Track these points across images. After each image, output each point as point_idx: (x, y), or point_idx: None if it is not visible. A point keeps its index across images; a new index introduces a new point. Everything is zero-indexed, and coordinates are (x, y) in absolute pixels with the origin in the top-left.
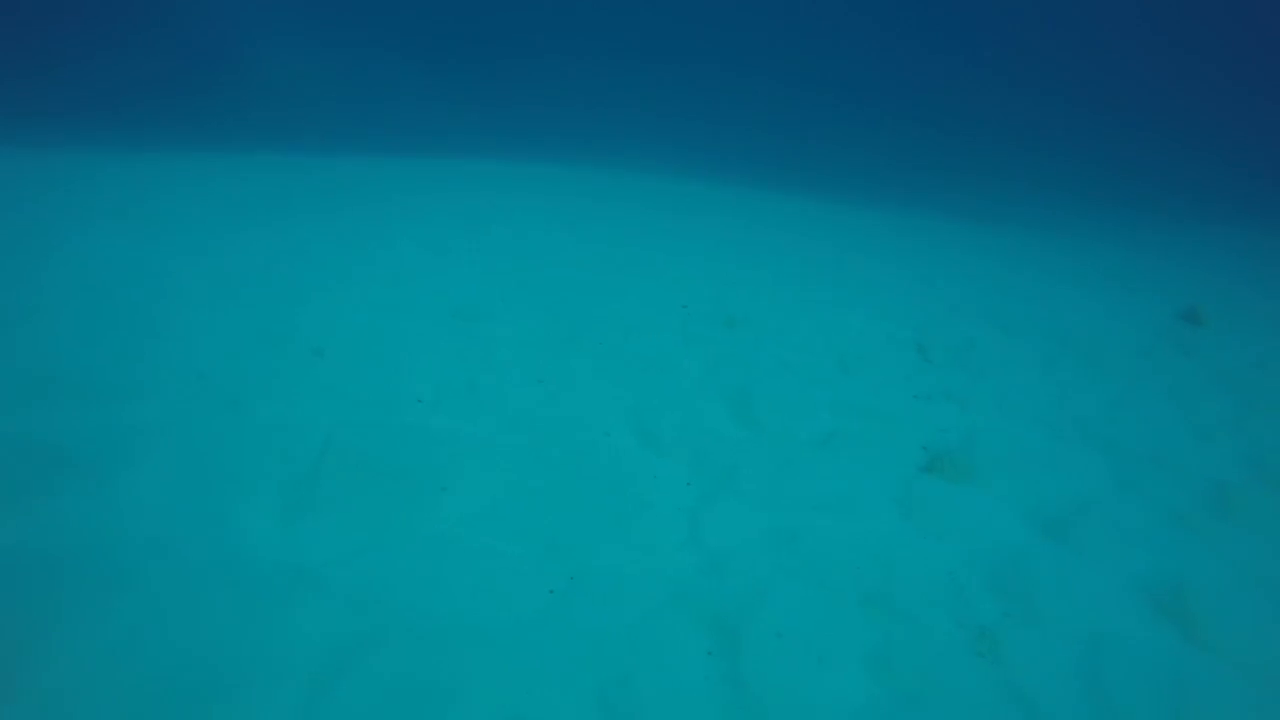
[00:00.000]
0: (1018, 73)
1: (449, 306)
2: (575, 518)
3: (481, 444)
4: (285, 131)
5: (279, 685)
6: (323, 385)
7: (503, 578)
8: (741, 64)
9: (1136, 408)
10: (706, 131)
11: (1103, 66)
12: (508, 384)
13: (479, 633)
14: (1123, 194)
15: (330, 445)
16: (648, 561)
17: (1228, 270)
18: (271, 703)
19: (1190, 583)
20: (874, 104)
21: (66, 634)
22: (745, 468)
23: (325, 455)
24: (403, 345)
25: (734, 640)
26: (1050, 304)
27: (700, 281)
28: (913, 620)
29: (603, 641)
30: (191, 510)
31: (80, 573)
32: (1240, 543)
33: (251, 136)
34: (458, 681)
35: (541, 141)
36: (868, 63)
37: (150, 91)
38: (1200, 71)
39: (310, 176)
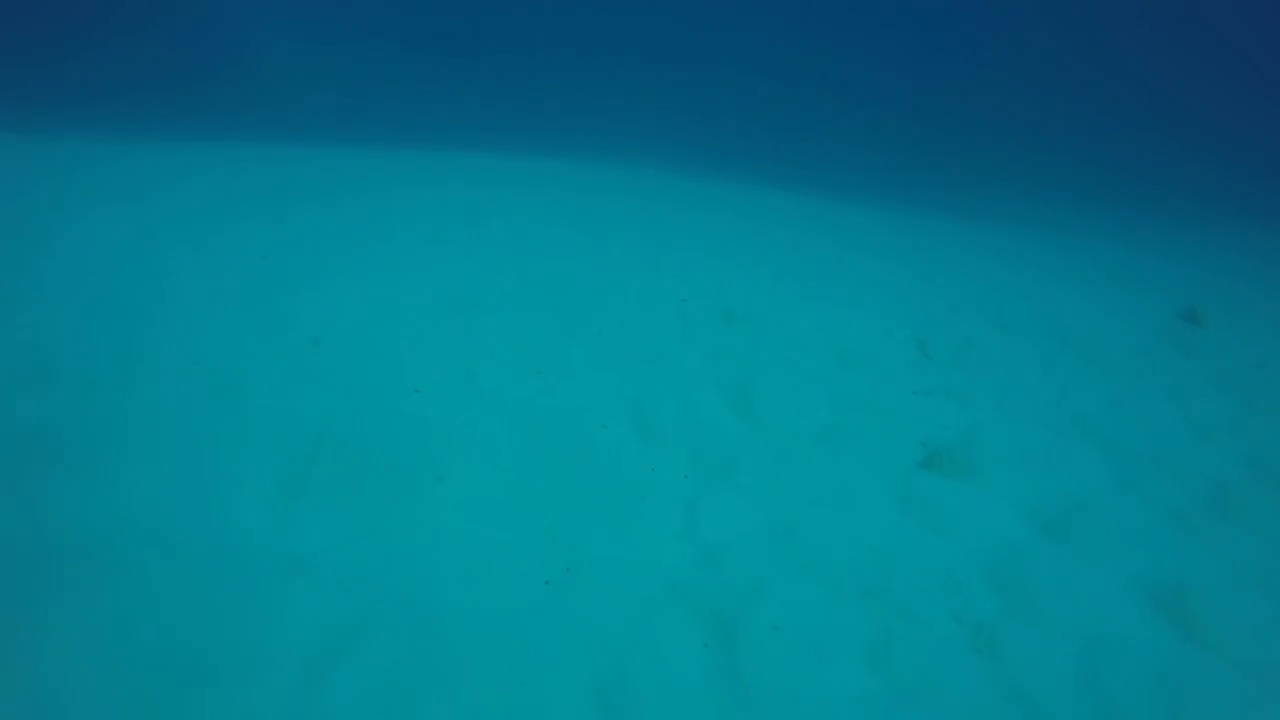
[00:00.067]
0: (1018, 71)
1: (447, 298)
2: (572, 509)
3: (478, 434)
4: (286, 123)
5: (272, 672)
6: (320, 374)
7: (498, 568)
8: (742, 61)
9: (1136, 407)
10: (707, 128)
11: (1103, 65)
12: (505, 375)
13: (474, 622)
14: (1123, 193)
15: (326, 434)
16: (644, 553)
17: (1228, 270)
18: (264, 689)
19: (1189, 582)
20: (875, 102)
21: (60, 620)
22: (743, 461)
23: (321, 444)
24: (400, 336)
25: (731, 633)
26: (1050, 303)
27: (699, 276)
28: (910, 615)
29: (599, 633)
30: (186, 497)
31: (74, 559)
32: (1239, 542)
33: (252, 127)
34: (451, 670)
35: (541, 136)
36: (868, 61)
37: (151, 81)
38: (1201, 71)
39: (310, 168)
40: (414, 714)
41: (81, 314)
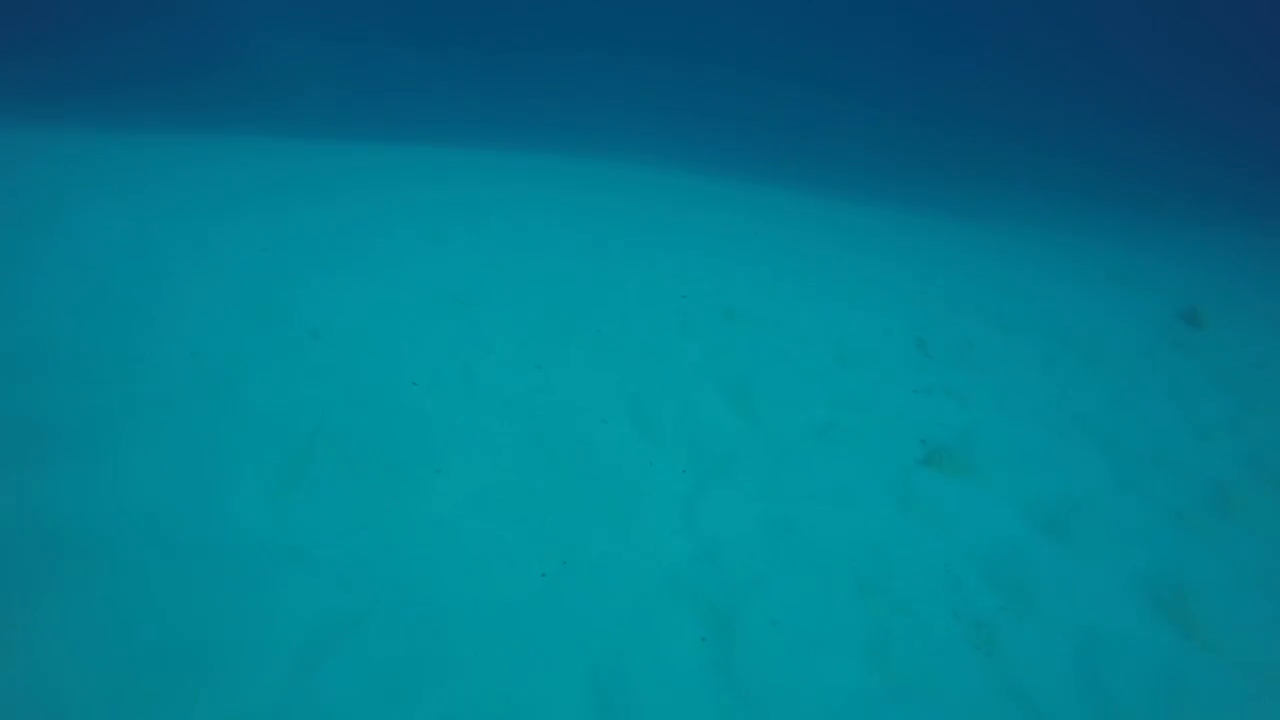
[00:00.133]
0: (1018, 72)
1: (446, 293)
2: (569, 503)
3: (476, 428)
4: (287, 117)
5: (268, 663)
6: (318, 367)
7: (494, 561)
8: (743, 60)
9: (1136, 406)
10: (707, 126)
11: (1104, 66)
12: (504, 370)
13: (470, 614)
14: (1123, 193)
15: (324, 426)
16: (642, 548)
17: (1227, 270)
18: (260, 680)
19: (1188, 581)
20: (875, 102)
21: (56, 611)
22: (742, 457)
23: (318, 436)
24: (399, 330)
25: (728, 628)
26: (1050, 302)
27: (699, 273)
28: (909, 612)
29: (595, 626)
30: (183, 489)
31: (70, 550)
32: (1239, 541)
33: (253, 121)
34: (446, 662)
35: (542, 133)
36: (869, 61)
37: (153, 74)
38: (1201, 71)
39: (311, 163)
40: (410, 705)
41: (79, 306)
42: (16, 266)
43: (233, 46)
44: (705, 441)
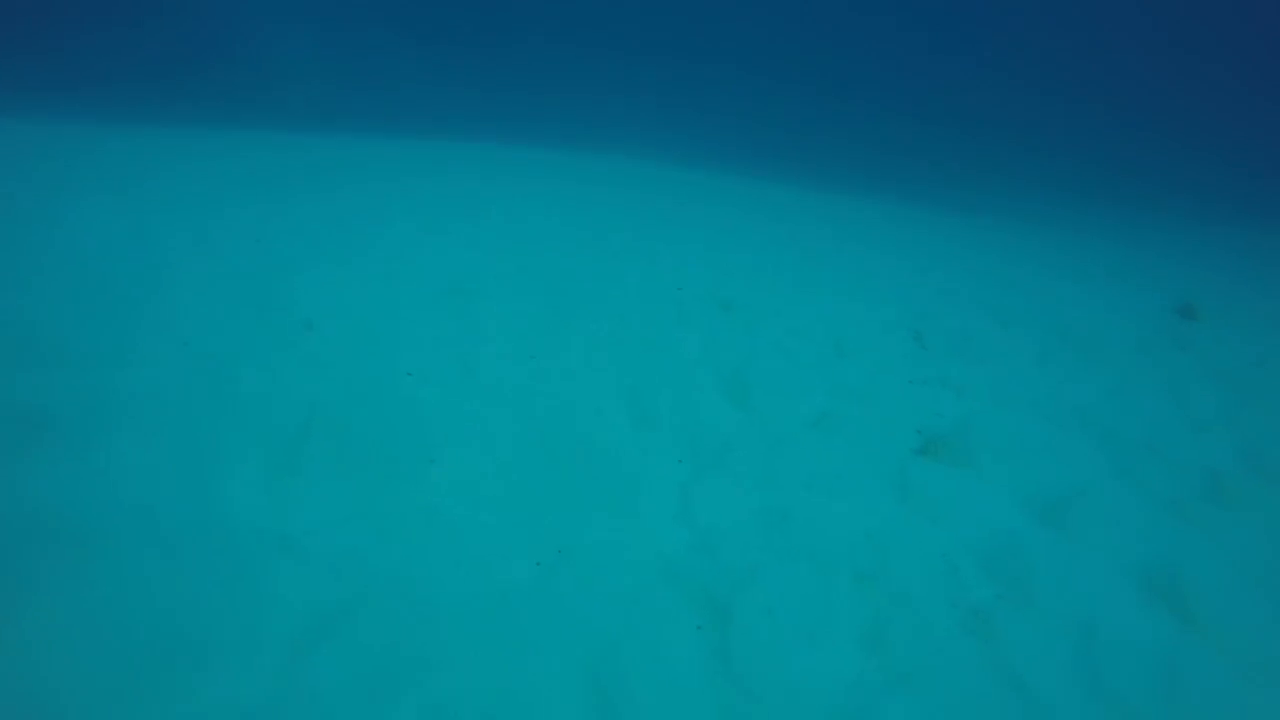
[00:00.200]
0: (1017, 68)
1: (443, 284)
2: (564, 492)
3: (471, 418)
4: (285, 111)
5: (259, 651)
6: (311, 358)
7: (488, 549)
8: (742, 56)
9: (1132, 399)
10: (705, 121)
11: (1103, 63)
12: (499, 360)
13: (462, 603)
14: (1121, 191)
15: (317, 416)
16: (638, 537)
17: (1224, 268)
18: (250, 667)
19: (1184, 570)
20: (872, 98)
21: (47, 597)
22: (738, 447)
23: (311, 426)
24: (394, 321)
25: (724, 616)
26: (1047, 297)
27: (696, 267)
28: (906, 600)
29: (591, 615)
30: (174, 476)
31: (63, 538)
32: (1235, 531)
33: (252, 115)
34: (440, 651)
35: (540, 127)
36: (867, 57)
37: (152, 68)
38: (1199, 70)
39: (309, 156)
40: (403, 694)
41: (76, 298)
42: (13, 259)
43: (231, 41)
44: (701, 432)
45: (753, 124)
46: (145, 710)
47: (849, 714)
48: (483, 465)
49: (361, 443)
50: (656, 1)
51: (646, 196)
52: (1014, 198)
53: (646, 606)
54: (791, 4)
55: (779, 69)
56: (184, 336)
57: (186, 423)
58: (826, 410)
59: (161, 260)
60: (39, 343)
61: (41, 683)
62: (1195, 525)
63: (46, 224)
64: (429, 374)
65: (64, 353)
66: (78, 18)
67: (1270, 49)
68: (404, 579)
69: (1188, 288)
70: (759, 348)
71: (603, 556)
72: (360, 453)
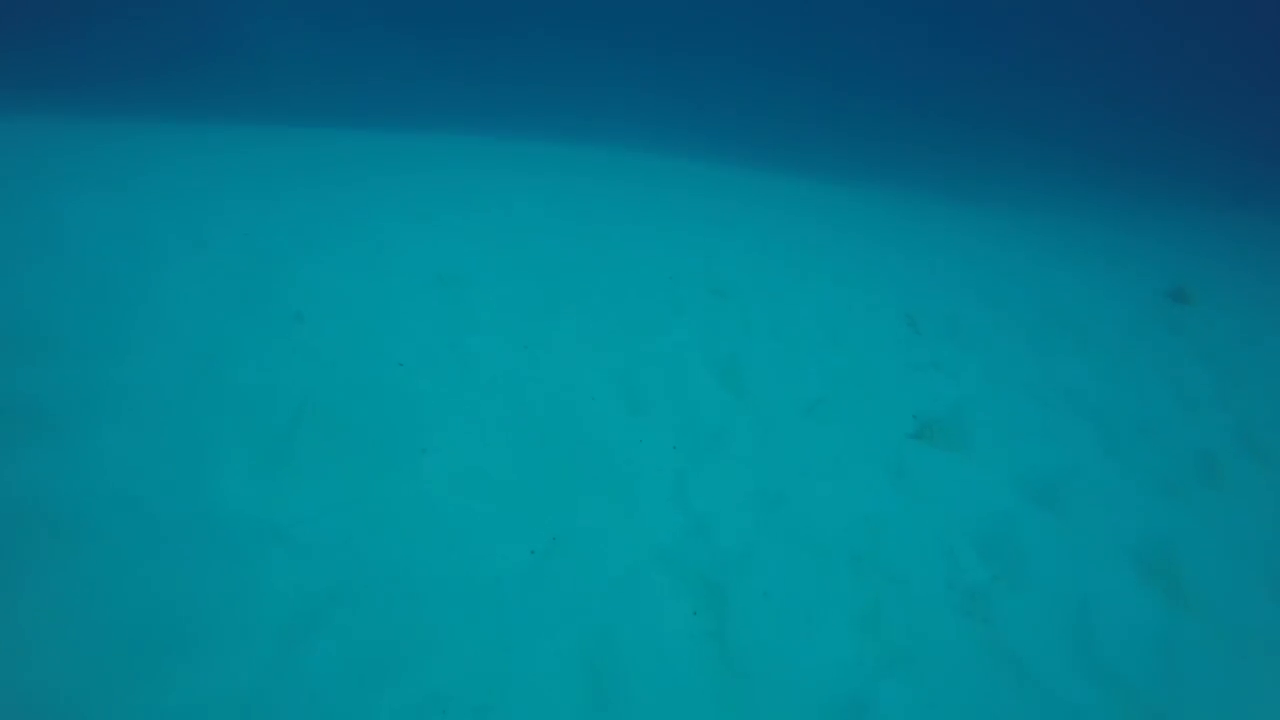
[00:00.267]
0: (1008, 56)
1: (434, 275)
2: (558, 479)
3: (463, 407)
4: (277, 105)
5: (251, 640)
6: (301, 348)
7: (482, 537)
8: (733, 46)
9: (1124, 381)
10: (698, 112)
11: (1093, 49)
12: (491, 349)
13: (455, 591)
14: (1111, 177)
15: (307, 406)
16: (632, 522)
17: (1214, 251)
18: (241, 655)
19: (1178, 548)
20: (864, 88)
21: (37, 587)
22: (733, 433)
23: (301, 416)
24: (385, 311)
25: (720, 600)
26: (1039, 282)
27: (688, 255)
28: (902, 581)
29: (585, 601)
30: (166, 467)
31: (54, 528)
32: (1227, 510)
33: (244, 110)
34: (433, 639)
35: (534, 120)
36: (859, 47)
37: (144, 64)
38: (1190, 58)
39: (301, 149)
40: (397, 683)
41: (69, 291)
42: (6, 253)
43: (224, 37)
44: (695, 418)
45: (746, 115)
46: (137, 700)
47: (847, 695)
48: (476, 453)
49: (353, 432)
50: None
51: (638, 187)
52: (1005, 185)
53: (642, 592)
54: None
55: (774, 60)
56: (176, 329)
57: (177, 414)
58: (821, 395)
59: (154, 254)
60: (31, 336)
61: (33, 673)
62: (1188, 505)
63: (40, 219)
64: (421, 363)
65: (56, 346)
66: (69, 15)
67: (1258, 36)
68: (397, 567)
69: (1179, 272)
70: (752, 334)
71: (597, 543)
72: (352, 442)
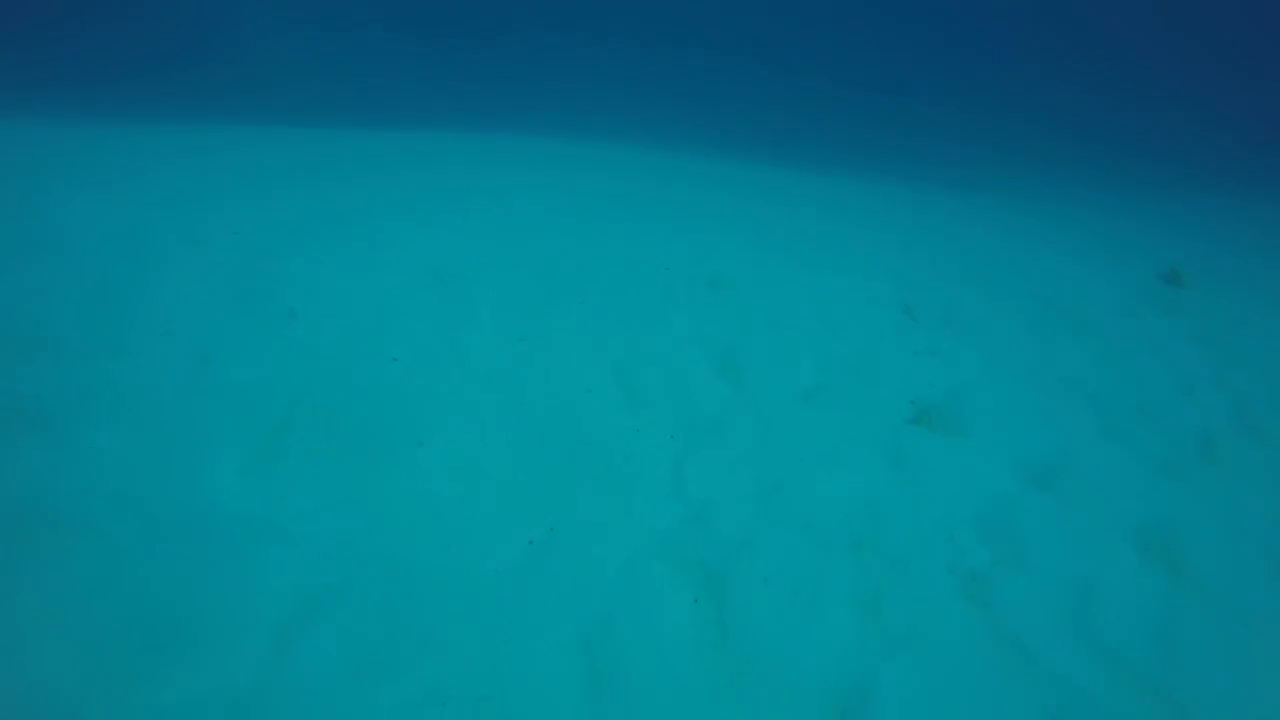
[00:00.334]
0: (1002, 43)
1: (429, 271)
2: (555, 471)
3: (459, 400)
4: (272, 104)
5: (247, 635)
6: (296, 344)
7: (479, 530)
8: (725, 39)
9: (1120, 363)
10: (692, 106)
11: (1084, 36)
12: (487, 343)
13: (453, 584)
14: (1104, 162)
15: (302, 401)
16: (631, 512)
17: (1208, 235)
18: (238, 650)
19: (1177, 528)
20: (857, 79)
21: (34, 584)
22: (730, 422)
23: (296, 411)
24: (380, 307)
25: (721, 587)
26: (1034, 268)
27: (684, 247)
28: (903, 566)
29: (585, 591)
30: (162, 464)
31: (50, 524)
32: (1225, 489)
33: (240, 110)
34: (431, 633)
35: (529, 116)
36: (852, 38)
37: (140, 64)
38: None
39: (296, 148)
40: (395, 677)
41: (66, 290)
42: (2, 252)
43: (219, 37)
44: (693, 408)
45: (734, 107)
46: (134, 696)
47: (849, 679)
48: (472, 447)
49: (348, 427)
50: None
51: (631, 182)
52: (998, 173)
53: (641, 581)
54: None
55: (769, 54)
56: (173, 328)
57: (175, 412)
58: (819, 383)
59: (151, 253)
60: (30, 335)
61: (30, 670)
62: (1187, 485)
63: (38, 218)
64: (416, 358)
65: (54, 345)
66: (68, 15)
67: (1250, 21)
68: (394, 561)
69: (1173, 255)
70: (749, 324)
71: (596, 533)
72: (347, 437)
